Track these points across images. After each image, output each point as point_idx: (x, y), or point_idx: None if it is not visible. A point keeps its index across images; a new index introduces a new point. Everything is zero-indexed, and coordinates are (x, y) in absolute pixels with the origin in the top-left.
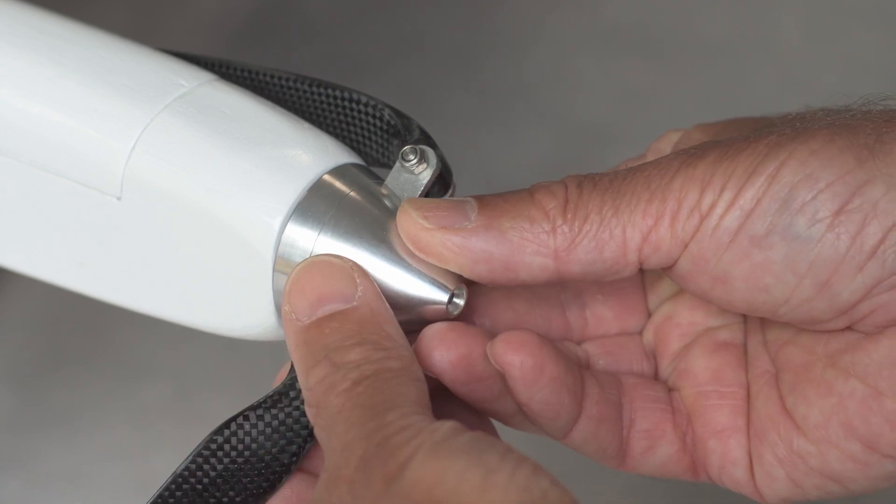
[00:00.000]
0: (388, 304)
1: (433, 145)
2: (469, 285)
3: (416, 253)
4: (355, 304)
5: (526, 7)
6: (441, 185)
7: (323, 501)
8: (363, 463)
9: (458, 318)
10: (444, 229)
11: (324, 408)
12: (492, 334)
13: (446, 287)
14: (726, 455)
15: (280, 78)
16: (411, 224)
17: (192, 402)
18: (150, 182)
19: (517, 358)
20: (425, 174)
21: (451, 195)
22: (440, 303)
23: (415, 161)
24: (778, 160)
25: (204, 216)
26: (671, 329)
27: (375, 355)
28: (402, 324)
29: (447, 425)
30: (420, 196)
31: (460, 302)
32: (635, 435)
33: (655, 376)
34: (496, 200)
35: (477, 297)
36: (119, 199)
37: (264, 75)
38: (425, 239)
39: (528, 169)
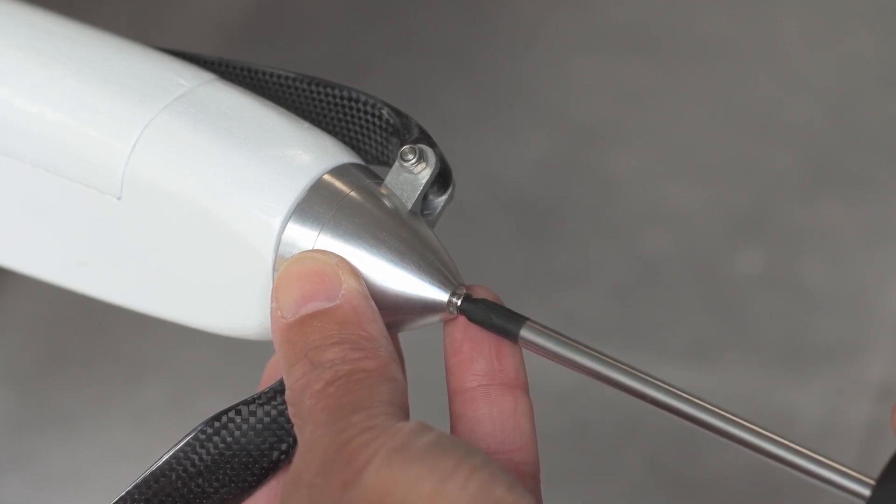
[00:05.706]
0: (373, 302)
1: (432, 144)
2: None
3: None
4: (338, 302)
5: (526, 7)
6: (441, 184)
7: (285, 503)
8: (323, 467)
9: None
10: None
11: (299, 407)
12: None
13: (446, 287)
14: None
15: (279, 76)
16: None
17: (192, 403)
18: (150, 181)
19: None
20: (424, 173)
21: (451, 194)
22: (440, 303)
23: (414, 160)
24: None
25: (204, 216)
26: None
27: (352, 355)
28: (401, 324)
29: (409, 427)
30: (419, 195)
31: (460, 302)
32: None
33: None
34: None
35: None
36: (119, 198)
37: (263, 74)
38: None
39: (527, 169)
